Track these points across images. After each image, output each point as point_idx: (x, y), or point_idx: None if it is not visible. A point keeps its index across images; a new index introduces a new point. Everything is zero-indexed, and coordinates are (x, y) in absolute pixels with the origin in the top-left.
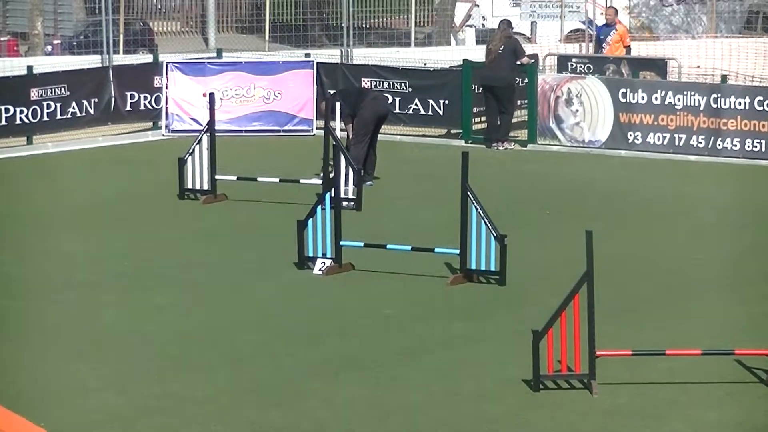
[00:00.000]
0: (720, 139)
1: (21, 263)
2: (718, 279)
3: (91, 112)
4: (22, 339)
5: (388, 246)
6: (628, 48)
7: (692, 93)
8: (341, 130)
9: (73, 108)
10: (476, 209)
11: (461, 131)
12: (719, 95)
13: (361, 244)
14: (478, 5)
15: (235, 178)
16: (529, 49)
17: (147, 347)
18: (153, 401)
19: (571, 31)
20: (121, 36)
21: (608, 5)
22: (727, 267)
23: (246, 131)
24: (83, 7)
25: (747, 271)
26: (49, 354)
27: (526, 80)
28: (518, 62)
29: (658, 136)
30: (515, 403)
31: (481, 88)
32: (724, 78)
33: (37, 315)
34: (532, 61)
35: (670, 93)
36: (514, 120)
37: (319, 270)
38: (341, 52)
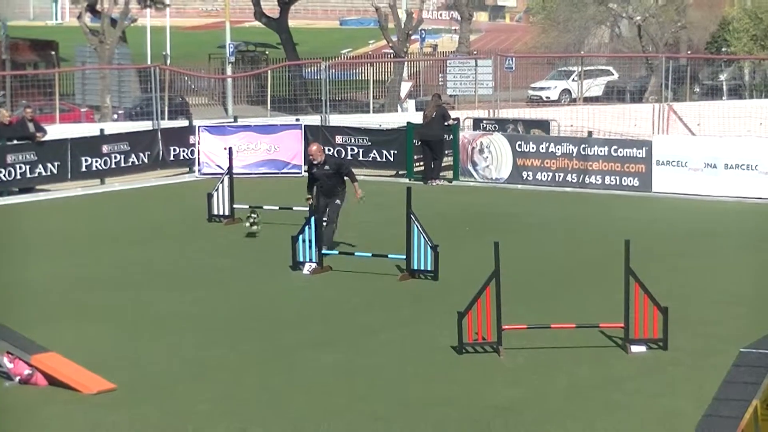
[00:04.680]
0: (587, 176)
1: (101, 267)
2: (588, 276)
3: (146, 161)
4: (102, 324)
5: (356, 253)
6: None
7: (567, 144)
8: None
9: (133, 158)
10: (417, 227)
11: (406, 172)
12: (587, 145)
13: (337, 252)
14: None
15: (247, 206)
16: (453, 113)
17: (184, 327)
18: (189, 364)
19: None
20: (166, 107)
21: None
22: (594, 267)
23: (254, 174)
24: (139, 86)
25: (610, 270)
26: (115, 330)
27: (452, 136)
28: (446, 123)
29: (544, 175)
30: (445, 363)
31: (419, 142)
32: (590, 133)
33: (115, 305)
34: (456, 122)
35: (552, 144)
36: (443, 164)
37: (307, 271)
38: (321, 117)
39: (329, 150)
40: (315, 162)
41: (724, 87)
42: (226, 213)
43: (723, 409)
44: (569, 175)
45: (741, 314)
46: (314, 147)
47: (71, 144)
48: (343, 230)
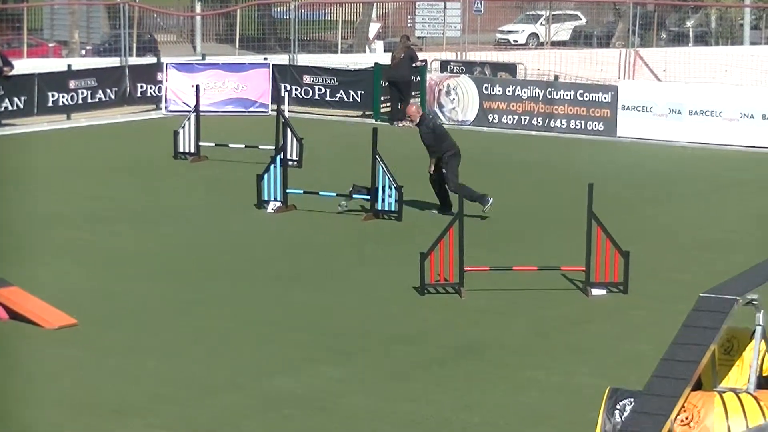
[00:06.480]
0: (553, 120)
1: (66, 203)
2: (551, 219)
3: (113, 97)
4: (67, 260)
5: (321, 193)
6: None
7: (534, 87)
8: (289, 112)
9: (100, 94)
10: (382, 168)
11: (372, 113)
12: (553, 89)
13: (302, 191)
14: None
15: (213, 144)
16: (421, 55)
17: (148, 263)
18: (153, 300)
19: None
20: (134, 44)
21: None
22: (557, 210)
23: (221, 112)
24: (108, 23)
25: (573, 214)
26: (80, 266)
27: (419, 78)
28: (414, 65)
29: (510, 118)
30: (408, 303)
31: (387, 83)
32: (556, 77)
33: (80, 241)
34: (423, 64)
35: (518, 87)
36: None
37: (272, 209)
38: (289, 56)
39: (296, 89)
40: (414, 123)
41: (691, 34)
42: (192, 151)
43: (681, 353)
44: (535, 118)
45: (704, 260)
46: (413, 108)
47: (38, 79)
48: (309, 170)
